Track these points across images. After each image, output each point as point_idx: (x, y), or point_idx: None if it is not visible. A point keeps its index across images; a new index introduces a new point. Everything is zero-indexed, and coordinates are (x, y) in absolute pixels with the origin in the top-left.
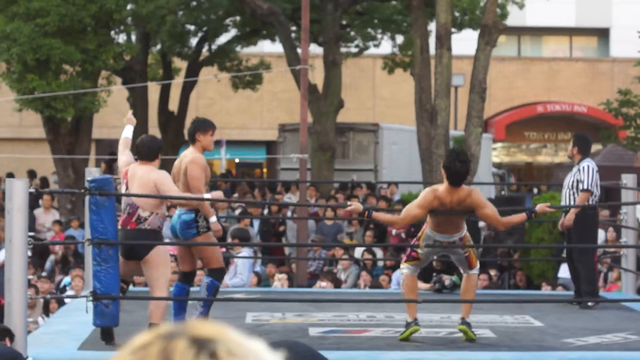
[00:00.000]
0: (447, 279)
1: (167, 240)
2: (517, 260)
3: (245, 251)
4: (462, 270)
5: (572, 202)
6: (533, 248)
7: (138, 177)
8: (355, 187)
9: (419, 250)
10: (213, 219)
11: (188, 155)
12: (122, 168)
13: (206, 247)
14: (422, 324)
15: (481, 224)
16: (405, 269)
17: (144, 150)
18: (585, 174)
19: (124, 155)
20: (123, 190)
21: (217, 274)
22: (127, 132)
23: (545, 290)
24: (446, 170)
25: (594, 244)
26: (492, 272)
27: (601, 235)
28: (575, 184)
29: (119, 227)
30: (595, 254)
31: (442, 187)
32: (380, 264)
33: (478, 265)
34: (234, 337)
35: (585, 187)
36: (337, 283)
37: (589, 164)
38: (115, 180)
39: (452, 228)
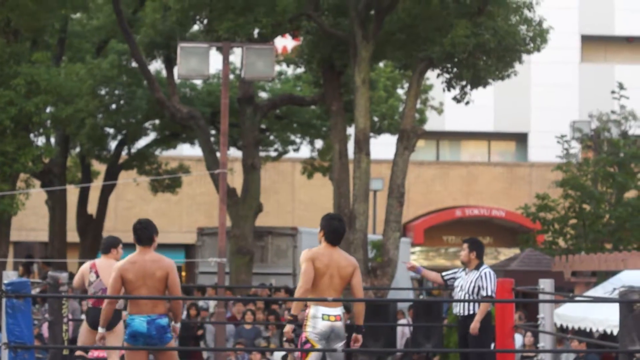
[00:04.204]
0: None
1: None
2: None
3: None
4: None
5: (474, 308)
6: (451, 352)
7: (107, 266)
8: (274, 292)
9: (311, 337)
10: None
11: (163, 260)
12: (86, 267)
13: (174, 355)
14: None
15: (399, 329)
16: None
17: (104, 245)
18: (487, 280)
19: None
20: (93, 279)
21: None
22: None
23: None
24: (325, 228)
25: (490, 347)
26: None
27: (519, 339)
28: (476, 290)
29: (91, 305)
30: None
31: (317, 247)
32: None
33: None
34: None
35: (488, 293)
36: None
37: (489, 271)
38: (34, 284)
39: (335, 295)
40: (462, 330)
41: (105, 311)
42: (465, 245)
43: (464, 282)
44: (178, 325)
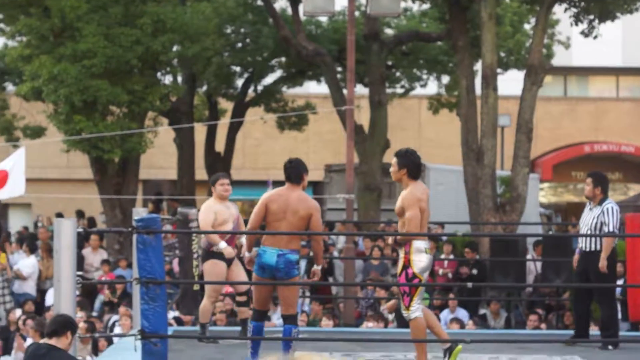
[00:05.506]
0: None
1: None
2: (565, 300)
3: None
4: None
5: (597, 244)
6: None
7: (204, 205)
8: None
9: (419, 272)
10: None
11: (310, 200)
12: None
13: (296, 291)
14: None
15: (528, 265)
16: (414, 312)
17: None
18: (610, 216)
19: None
20: None
21: (295, 320)
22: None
23: (594, 330)
24: (408, 166)
25: (615, 283)
26: (540, 312)
27: None
28: (599, 226)
29: None
30: (615, 295)
31: (409, 187)
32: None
33: None
34: None
35: (610, 229)
36: (385, 323)
37: (613, 206)
38: (164, 220)
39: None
40: (582, 265)
41: (247, 238)
42: (589, 180)
43: (588, 217)
44: (319, 267)
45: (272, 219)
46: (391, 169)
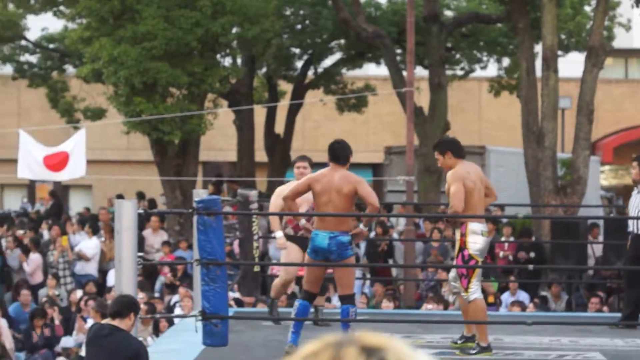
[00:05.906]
0: None
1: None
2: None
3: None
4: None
5: None
6: None
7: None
8: None
9: (475, 253)
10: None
11: (351, 176)
12: None
13: (351, 271)
14: (532, 346)
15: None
16: (473, 293)
17: None
18: None
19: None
20: None
21: (352, 300)
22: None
23: None
24: (452, 148)
25: None
26: (601, 294)
27: None
28: None
29: None
30: None
31: (455, 166)
32: None
33: None
34: (401, 346)
35: None
36: (445, 305)
37: None
38: (224, 202)
39: (484, 208)
40: (634, 249)
41: (287, 207)
42: (636, 164)
43: (636, 200)
44: (365, 229)
45: (320, 201)
46: (439, 163)
